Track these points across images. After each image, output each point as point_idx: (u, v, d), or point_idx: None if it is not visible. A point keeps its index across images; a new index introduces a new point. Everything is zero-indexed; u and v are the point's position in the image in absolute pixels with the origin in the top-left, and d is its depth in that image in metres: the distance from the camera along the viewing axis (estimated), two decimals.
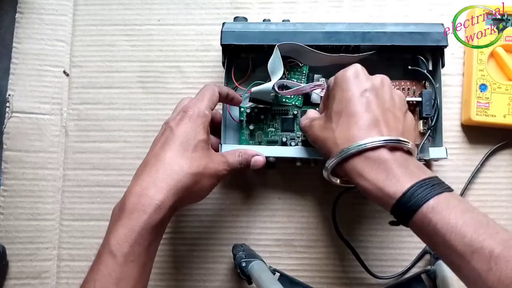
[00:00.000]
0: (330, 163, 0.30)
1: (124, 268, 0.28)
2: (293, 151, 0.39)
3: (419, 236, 0.28)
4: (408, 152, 0.30)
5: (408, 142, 0.29)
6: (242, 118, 0.41)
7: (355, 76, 0.31)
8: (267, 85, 0.37)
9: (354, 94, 0.30)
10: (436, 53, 0.39)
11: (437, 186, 0.26)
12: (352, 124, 0.30)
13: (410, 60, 0.40)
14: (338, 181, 0.34)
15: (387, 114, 0.30)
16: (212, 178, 0.33)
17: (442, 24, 0.38)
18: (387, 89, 0.32)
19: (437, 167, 0.43)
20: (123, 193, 0.31)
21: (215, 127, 0.39)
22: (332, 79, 0.33)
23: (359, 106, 0.30)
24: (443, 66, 0.39)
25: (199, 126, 0.32)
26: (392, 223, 0.29)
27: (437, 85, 0.39)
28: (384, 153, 0.28)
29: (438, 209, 0.25)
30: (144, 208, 0.29)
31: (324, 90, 0.39)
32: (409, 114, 0.33)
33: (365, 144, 0.28)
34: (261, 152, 0.38)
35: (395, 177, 0.27)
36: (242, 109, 0.40)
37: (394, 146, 0.29)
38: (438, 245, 0.26)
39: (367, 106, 0.30)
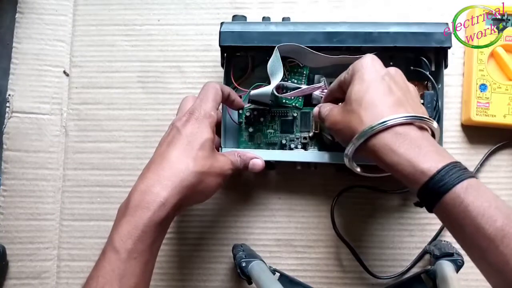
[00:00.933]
0: (357, 141, 0.30)
1: (127, 265, 0.28)
2: (293, 155, 0.39)
3: (443, 218, 0.27)
4: (433, 134, 0.30)
5: (433, 121, 0.30)
6: (241, 120, 0.40)
7: (372, 64, 0.32)
8: (267, 89, 0.37)
9: (374, 78, 0.31)
10: (439, 54, 0.39)
11: (466, 170, 0.26)
12: (378, 104, 0.30)
13: (413, 60, 0.40)
14: (359, 169, 0.34)
15: (407, 96, 0.31)
16: (217, 177, 0.33)
17: (447, 24, 0.38)
18: (402, 77, 0.32)
19: None
20: (123, 193, 0.31)
21: (216, 127, 0.39)
22: (348, 69, 0.33)
23: (381, 88, 0.30)
24: (446, 67, 0.39)
25: (206, 127, 0.33)
26: (417, 204, 0.29)
27: (439, 86, 0.39)
28: (413, 130, 0.28)
29: (471, 191, 0.25)
30: (148, 205, 0.29)
31: (325, 91, 0.39)
32: (423, 107, 0.33)
33: (394, 118, 0.28)
34: (259, 156, 0.38)
35: (428, 154, 0.27)
36: (241, 111, 0.40)
37: (422, 125, 0.29)
38: (466, 228, 0.25)
39: (389, 88, 0.30)
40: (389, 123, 0.28)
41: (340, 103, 0.33)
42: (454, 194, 0.25)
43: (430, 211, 0.27)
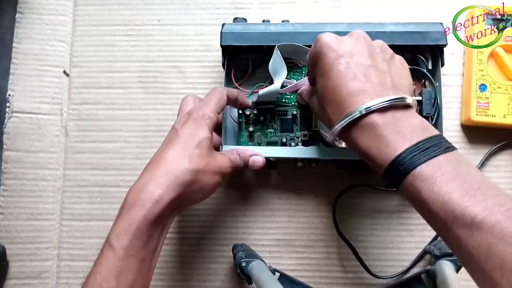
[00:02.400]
0: (329, 139, 0.31)
1: (124, 262, 0.28)
2: (293, 151, 0.39)
3: (409, 201, 0.27)
4: (405, 107, 0.28)
5: (403, 98, 0.28)
6: (241, 120, 0.41)
7: (326, 46, 0.30)
8: (274, 87, 0.37)
9: (330, 65, 0.29)
10: (436, 52, 0.39)
11: (432, 148, 0.25)
12: (337, 97, 0.28)
13: (410, 59, 0.40)
14: (343, 144, 0.35)
15: (370, 73, 0.28)
16: (215, 176, 0.33)
17: (442, 24, 0.38)
18: (362, 45, 0.30)
19: None
20: (123, 193, 0.31)
21: (217, 127, 0.39)
22: (309, 55, 0.32)
23: (338, 77, 0.28)
24: (442, 65, 0.39)
25: (203, 127, 0.33)
26: (386, 187, 0.29)
27: (437, 84, 0.39)
28: (374, 117, 0.27)
29: (423, 176, 0.25)
30: (142, 203, 0.29)
31: None
32: (396, 58, 0.31)
33: (351, 116, 0.27)
34: (260, 152, 0.38)
35: (386, 143, 0.26)
36: (241, 111, 0.40)
37: (385, 107, 0.27)
38: (423, 213, 0.26)
39: (346, 73, 0.28)
40: (347, 121, 0.28)
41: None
42: (407, 181, 0.25)
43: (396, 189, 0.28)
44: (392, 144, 0.26)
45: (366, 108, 0.27)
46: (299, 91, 0.38)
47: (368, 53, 0.29)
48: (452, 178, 0.24)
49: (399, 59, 0.31)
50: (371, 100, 0.27)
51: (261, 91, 0.38)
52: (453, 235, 0.24)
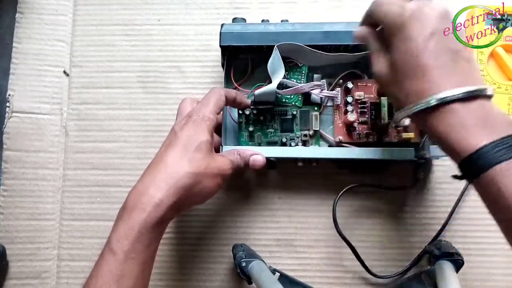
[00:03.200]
0: (399, 116, 0.29)
1: (125, 266, 0.28)
2: (293, 151, 0.39)
3: (481, 197, 0.26)
4: (487, 98, 0.27)
5: (485, 88, 0.27)
6: (241, 120, 0.41)
7: (416, 19, 0.27)
8: (271, 87, 0.37)
9: (418, 43, 0.27)
10: None
11: None
12: (421, 78, 0.27)
13: None
14: (406, 121, 0.33)
15: (457, 59, 0.27)
16: (215, 178, 0.33)
17: None
18: (450, 26, 0.28)
19: (438, 166, 0.43)
20: (123, 193, 0.31)
21: (217, 128, 0.39)
22: (386, 13, 0.29)
23: (427, 56, 0.27)
24: None
25: (203, 129, 0.33)
26: (455, 177, 0.27)
27: None
28: (458, 105, 0.26)
29: (507, 173, 0.24)
30: (143, 206, 0.29)
31: (323, 91, 0.39)
32: (468, 48, 0.29)
33: (439, 98, 0.26)
34: (260, 152, 0.38)
35: (470, 132, 0.25)
36: (241, 111, 0.40)
37: (470, 97, 0.26)
38: (499, 210, 0.25)
39: (436, 55, 0.27)
40: (431, 104, 0.26)
41: (388, 61, 0.30)
42: (488, 176, 0.24)
43: (470, 182, 0.27)
44: (476, 134, 0.25)
45: (453, 95, 0.26)
46: (356, 33, 0.33)
47: (454, 42, 0.28)
48: None
49: (469, 49, 0.30)
50: (457, 88, 0.26)
51: (257, 91, 0.38)
52: None
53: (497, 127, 0.25)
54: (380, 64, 0.30)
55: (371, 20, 0.31)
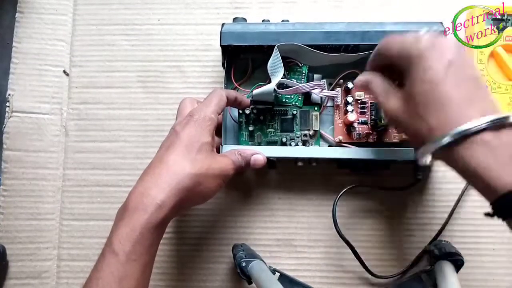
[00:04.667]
0: (424, 152, 0.27)
1: (126, 267, 0.28)
2: (293, 151, 0.39)
3: None
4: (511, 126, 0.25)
5: (509, 116, 0.25)
6: (241, 120, 0.40)
7: (432, 49, 0.27)
8: (269, 87, 0.37)
9: (438, 71, 0.26)
10: None
11: None
12: (446, 107, 0.26)
13: None
14: (428, 160, 0.29)
15: (479, 86, 0.26)
16: (217, 179, 0.33)
17: (441, 23, 0.38)
18: (466, 55, 0.27)
19: (437, 168, 0.43)
20: (123, 193, 0.31)
21: (217, 128, 0.39)
22: (403, 44, 0.28)
23: (448, 85, 0.26)
24: None
25: (204, 129, 0.33)
26: (487, 215, 0.26)
27: None
28: (488, 136, 0.24)
29: None
30: (145, 208, 0.29)
31: (324, 91, 0.39)
32: (491, 96, 0.28)
33: (466, 129, 0.25)
34: (260, 151, 0.38)
35: (505, 168, 0.24)
36: (241, 110, 0.40)
37: (498, 126, 0.25)
38: None
39: (457, 83, 0.26)
40: (461, 134, 0.25)
41: (400, 91, 0.29)
42: None
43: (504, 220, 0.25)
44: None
45: (482, 124, 0.24)
46: (357, 80, 0.33)
47: (473, 71, 0.27)
48: None
49: (493, 98, 0.29)
50: (485, 116, 0.25)
51: (256, 91, 0.38)
52: None
53: None
54: (392, 102, 0.29)
55: (380, 58, 0.31)
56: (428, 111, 0.26)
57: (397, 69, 0.29)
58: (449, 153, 0.26)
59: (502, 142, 0.25)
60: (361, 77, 0.33)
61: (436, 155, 0.27)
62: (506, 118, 0.25)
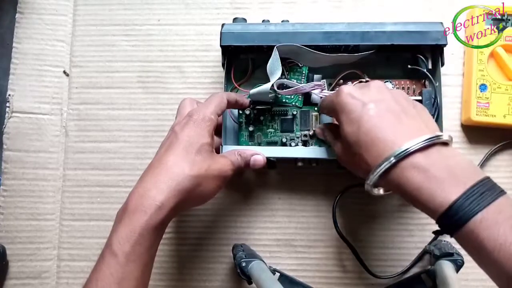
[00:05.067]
0: (367, 186, 0.29)
1: (126, 268, 0.28)
2: (293, 151, 0.39)
3: (464, 248, 0.26)
4: (444, 145, 0.27)
5: (440, 135, 0.27)
6: (241, 120, 0.41)
7: (351, 96, 0.30)
8: (265, 86, 0.37)
9: (360, 113, 0.29)
10: (436, 52, 0.39)
11: (487, 193, 0.24)
12: (374, 140, 0.28)
13: (410, 59, 0.40)
14: (381, 191, 0.32)
15: (401, 116, 0.29)
16: (216, 180, 0.33)
17: (441, 23, 0.38)
18: (386, 93, 0.30)
19: None
20: (123, 193, 0.31)
21: (217, 129, 0.39)
22: (331, 103, 0.33)
23: (371, 120, 0.28)
24: (442, 64, 0.39)
25: (203, 130, 0.33)
26: (436, 233, 0.27)
27: (437, 84, 0.39)
28: (419, 158, 0.26)
29: (485, 224, 0.23)
30: (145, 209, 0.29)
31: (324, 91, 0.39)
32: (418, 105, 0.32)
33: (394, 155, 0.26)
34: (260, 151, 0.38)
35: (439, 186, 0.25)
36: (241, 111, 0.40)
37: (427, 146, 0.26)
38: (483, 260, 0.24)
39: (378, 117, 0.28)
40: (391, 162, 0.26)
41: (341, 138, 0.32)
42: (467, 229, 0.24)
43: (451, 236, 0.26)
44: (446, 187, 0.25)
45: (409, 148, 0.26)
46: (316, 131, 0.39)
47: (394, 100, 0.30)
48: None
49: (421, 106, 0.32)
50: (411, 140, 0.26)
51: (252, 90, 0.38)
52: None
53: (463, 176, 0.25)
54: (337, 147, 0.34)
55: (324, 113, 0.36)
56: (361, 149, 0.29)
57: (335, 118, 0.33)
58: (390, 182, 0.28)
59: (432, 161, 0.26)
60: (318, 129, 0.39)
61: (379, 185, 0.29)
62: (436, 137, 0.27)
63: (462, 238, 0.25)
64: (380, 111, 0.29)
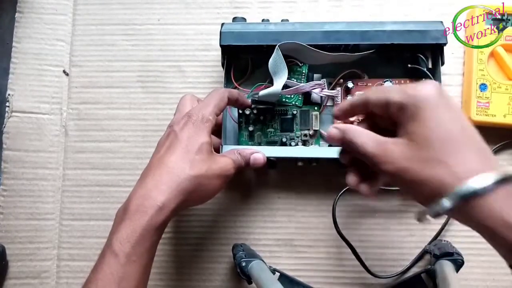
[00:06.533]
0: (451, 201, 0.23)
1: (126, 268, 0.28)
2: (293, 151, 0.39)
3: None
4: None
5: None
6: (241, 120, 0.40)
7: (441, 95, 0.26)
8: (275, 88, 0.37)
9: (459, 111, 0.26)
10: (436, 51, 0.39)
11: None
12: (466, 151, 0.24)
13: (410, 58, 0.40)
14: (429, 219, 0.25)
15: (475, 136, 0.25)
16: (217, 179, 0.33)
17: (441, 22, 0.38)
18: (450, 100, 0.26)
19: None
20: (123, 193, 0.31)
21: (216, 128, 0.39)
22: (405, 95, 0.26)
23: (457, 129, 0.24)
24: (442, 64, 0.39)
25: (202, 131, 0.33)
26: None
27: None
28: (500, 192, 0.22)
29: None
30: (146, 210, 0.29)
31: (324, 90, 0.39)
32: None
33: (502, 176, 0.22)
34: (260, 150, 0.38)
35: None
36: (241, 110, 0.40)
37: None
38: None
39: (463, 128, 0.25)
40: (498, 179, 0.22)
41: (402, 138, 0.26)
42: None
43: None
44: None
45: (504, 176, 0.22)
46: (328, 131, 0.30)
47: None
48: None
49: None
50: (490, 160, 0.23)
51: (262, 92, 0.38)
52: None
53: None
54: (392, 151, 0.26)
55: (363, 106, 0.29)
56: (448, 154, 0.24)
57: (384, 117, 0.28)
58: (471, 206, 0.23)
59: None
60: (334, 129, 0.29)
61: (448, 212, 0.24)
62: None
63: None
64: (464, 125, 0.25)
